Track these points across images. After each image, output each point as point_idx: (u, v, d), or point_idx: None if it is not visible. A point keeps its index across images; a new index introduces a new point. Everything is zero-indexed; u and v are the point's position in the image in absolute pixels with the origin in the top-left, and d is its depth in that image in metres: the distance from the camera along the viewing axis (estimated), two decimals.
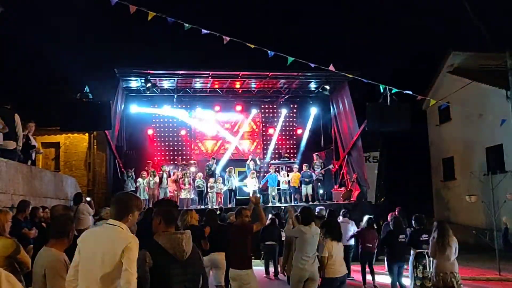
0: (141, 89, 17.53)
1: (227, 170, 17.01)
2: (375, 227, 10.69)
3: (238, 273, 5.83)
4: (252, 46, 8.88)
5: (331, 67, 10.32)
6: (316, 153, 18.19)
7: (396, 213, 9.41)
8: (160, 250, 3.24)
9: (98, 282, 2.99)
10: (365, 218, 10.51)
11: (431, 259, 7.29)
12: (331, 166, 18.12)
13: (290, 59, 9.46)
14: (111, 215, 3.23)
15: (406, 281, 8.31)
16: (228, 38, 8.70)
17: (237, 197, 16.12)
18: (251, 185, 16.44)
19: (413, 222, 8.11)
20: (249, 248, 6.03)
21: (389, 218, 10.46)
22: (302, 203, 15.96)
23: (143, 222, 8.55)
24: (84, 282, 3.04)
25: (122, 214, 3.20)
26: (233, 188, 16.45)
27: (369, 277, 9.90)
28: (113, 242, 3.06)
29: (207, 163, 17.28)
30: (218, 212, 12.28)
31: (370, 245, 9.90)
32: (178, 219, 6.53)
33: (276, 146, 20.40)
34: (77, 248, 3.16)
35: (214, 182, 16.30)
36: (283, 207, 15.09)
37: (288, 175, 17.01)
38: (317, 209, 9.84)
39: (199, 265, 3.48)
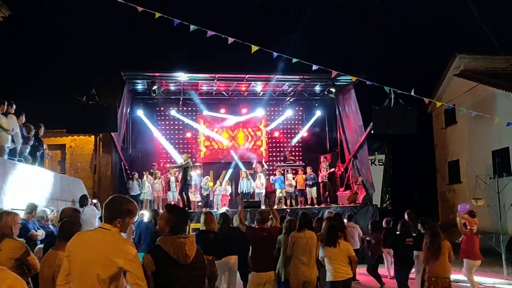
0: (147, 91, 17.60)
1: (241, 172, 16.97)
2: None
3: (265, 275, 6.00)
4: (256, 48, 8.91)
5: (334, 73, 10.35)
6: (324, 156, 18.18)
7: (406, 216, 9.38)
8: (163, 254, 3.24)
9: (94, 286, 2.98)
10: (370, 222, 10.56)
11: None
12: (333, 169, 18.05)
13: (294, 60, 9.50)
14: (103, 219, 3.21)
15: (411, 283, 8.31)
16: (232, 39, 8.74)
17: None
18: (257, 188, 16.47)
19: (419, 225, 8.09)
20: (274, 250, 6.23)
21: (384, 223, 10.45)
22: (307, 206, 15.99)
23: (152, 225, 8.60)
24: (79, 286, 3.03)
25: (112, 218, 3.17)
26: (247, 192, 16.38)
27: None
28: (107, 247, 3.04)
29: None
30: None
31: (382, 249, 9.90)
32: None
33: (282, 149, 20.42)
34: (67, 253, 3.12)
35: (219, 185, 16.34)
36: (288, 210, 15.11)
37: (293, 178, 17.04)
38: (326, 212, 9.84)
39: (203, 269, 3.48)
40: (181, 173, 15.43)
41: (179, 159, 18.89)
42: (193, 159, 19.21)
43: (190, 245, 3.31)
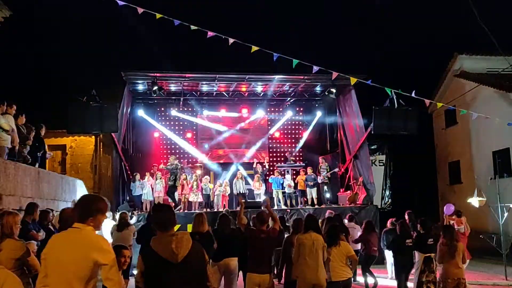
0: (147, 92, 17.58)
1: (236, 174, 17.01)
2: (376, 231, 10.72)
3: (259, 277, 5.93)
4: (256, 48, 8.91)
5: (334, 74, 10.34)
6: (322, 157, 18.17)
7: (406, 217, 9.40)
8: (152, 254, 3.26)
9: (71, 285, 3.00)
10: (364, 222, 10.57)
11: (436, 263, 7.30)
12: (336, 169, 18.09)
13: (295, 61, 9.49)
14: (75, 218, 3.24)
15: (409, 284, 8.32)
16: (232, 40, 8.74)
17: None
18: (256, 189, 16.50)
19: (418, 226, 8.11)
20: (271, 252, 6.18)
21: (388, 224, 10.49)
22: (308, 207, 15.99)
23: (146, 226, 8.64)
24: (56, 286, 3.04)
25: (83, 216, 3.19)
26: (242, 192, 16.40)
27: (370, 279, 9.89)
28: (82, 245, 3.06)
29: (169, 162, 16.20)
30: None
31: (376, 249, 9.91)
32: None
33: (282, 149, 20.42)
34: (43, 255, 3.13)
35: (219, 186, 16.36)
36: (289, 210, 15.13)
37: (293, 178, 17.04)
38: (326, 213, 9.85)
39: (199, 267, 3.41)
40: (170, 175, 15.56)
41: (179, 159, 18.88)
42: (194, 160, 19.28)
43: (179, 243, 3.27)
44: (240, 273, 7.54)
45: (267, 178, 17.62)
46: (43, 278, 3.09)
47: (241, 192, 16.35)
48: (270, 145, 20.46)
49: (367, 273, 9.80)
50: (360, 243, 10.37)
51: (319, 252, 6.21)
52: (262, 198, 16.43)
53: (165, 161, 18.47)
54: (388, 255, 11.02)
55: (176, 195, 15.93)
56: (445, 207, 10.06)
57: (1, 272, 2.03)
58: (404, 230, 8.25)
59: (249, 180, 17.44)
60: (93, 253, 3.03)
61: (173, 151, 19.34)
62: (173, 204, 15.21)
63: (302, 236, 6.30)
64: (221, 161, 19.50)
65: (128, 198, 16.01)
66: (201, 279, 3.41)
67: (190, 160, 19.17)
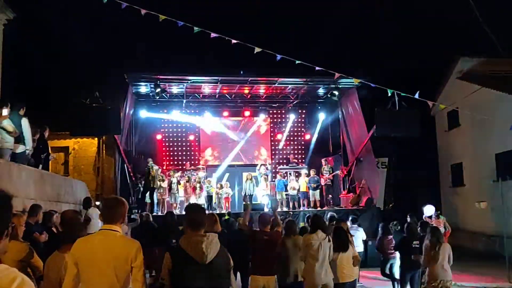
0: (150, 94, 17.61)
1: (247, 175, 16.99)
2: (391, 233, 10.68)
3: (264, 279, 5.90)
4: (259, 49, 8.92)
5: (337, 75, 10.35)
6: (324, 159, 18.17)
7: (408, 219, 9.38)
8: (181, 252, 3.30)
9: (114, 286, 3.03)
10: (380, 225, 10.53)
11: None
12: (338, 172, 18.06)
13: (297, 62, 9.51)
14: (106, 220, 3.27)
15: None
16: (235, 41, 8.76)
17: (243, 203, 16.12)
18: (263, 191, 16.51)
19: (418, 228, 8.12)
20: (274, 254, 6.15)
21: (391, 226, 10.46)
22: (310, 209, 15.99)
23: (163, 224, 8.64)
24: None
25: (116, 218, 3.27)
26: (251, 194, 16.39)
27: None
28: (122, 247, 3.11)
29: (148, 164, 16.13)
30: (226, 217, 12.32)
31: (392, 252, 9.86)
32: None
33: (284, 152, 20.43)
34: (73, 258, 3.15)
35: (220, 188, 16.38)
36: (291, 213, 15.12)
37: (296, 181, 17.05)
38: (328, 215, 9.84)
39: (224, 270, 3.46)
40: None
41: (182, 162, 18.89)
42: (196, 162, 19.31)
43: (209, 244, 3.32)
44: (239, 274, 7.53)
45: (273, 180, 17.64)
46: (74, 284, 3.09)
47: (249, 194, 16.35)
48: (272, 147, 20.46)
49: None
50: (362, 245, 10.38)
51: (327, 253, 6.14)
52: (269, 199, 16.46)
53: (174, 163, 18.57)
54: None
55: (178, 196, 15.94)
56: (424, 208, 10.07)
57: (14, 274, 2.03)
58: (412, 231, 8.24)
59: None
60: (133, 256, 3.12)
61: (175, 153, 19.36)
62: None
63: (310, 236, 6.19)
64: (223, 163, 19.51)
65: (132, 199, 16.04)
66: (225, 282, 3.46)
67: (192, 162, 19.19)
